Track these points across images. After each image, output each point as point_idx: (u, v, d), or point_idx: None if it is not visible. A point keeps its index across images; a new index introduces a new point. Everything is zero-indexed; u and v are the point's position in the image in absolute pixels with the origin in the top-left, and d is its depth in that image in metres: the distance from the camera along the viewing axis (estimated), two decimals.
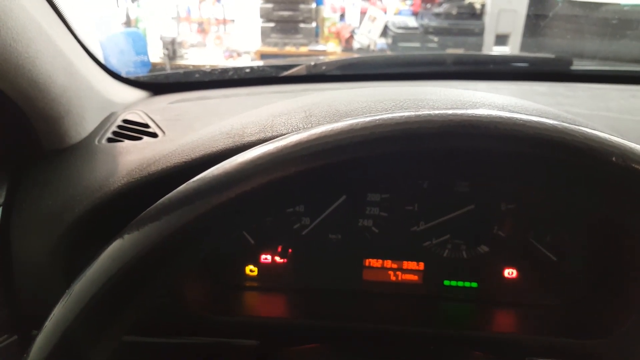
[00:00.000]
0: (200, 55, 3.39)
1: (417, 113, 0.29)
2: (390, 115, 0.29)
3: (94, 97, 0.68)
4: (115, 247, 0.28)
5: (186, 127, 0.65)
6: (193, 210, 0.28)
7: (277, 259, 0.65)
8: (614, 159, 0.27)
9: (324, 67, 0.95)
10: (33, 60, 0.50)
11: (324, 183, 0.30)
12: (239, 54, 3.46)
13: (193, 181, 0.29)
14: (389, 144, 0.29)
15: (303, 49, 3.42)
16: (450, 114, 0.29)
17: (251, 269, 0.66)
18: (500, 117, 0.29)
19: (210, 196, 0.28)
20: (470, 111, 0.29)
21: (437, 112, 0.29)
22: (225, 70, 0.95)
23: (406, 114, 0.29)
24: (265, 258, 0.65)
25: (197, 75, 0.93)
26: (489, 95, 0.56)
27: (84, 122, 0.64)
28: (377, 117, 0.29)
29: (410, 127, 0.29)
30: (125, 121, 0.68)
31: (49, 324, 0.28)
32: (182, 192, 0.29)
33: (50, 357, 0.27)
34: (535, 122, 0.28)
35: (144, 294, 0.28)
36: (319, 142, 0.29)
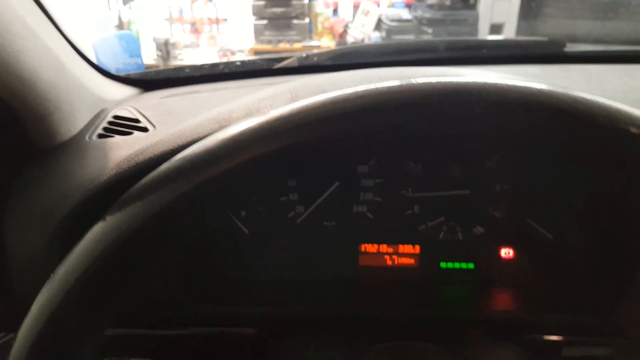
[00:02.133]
0: (194, 56, 3.39)
1: (399, 82, 0.29)
2: (372, 86, 0.29)
3: (83, 94, 0.67)
4: (98, 229, 0.28)
5: (177, 121, 0.65)
6: (176, 188, 0.28)
7: (273, 248, 0.65)
8: (600, 119, 0.27)
9: (315, 58, 0.94)
10: (17, 54, 0.50)
11: (310, 159, 0.30)
12: (232, 53, 3.46)
13: (175, 160, 0.29)
14: (372, 114, 0.28)
15: (297, 46, 3.42)
16: (435, 82, 0.29)
17: (247, 259, 0.65)
18: (486, 83, 0.28)
19: (193, 173, 0.28)
20: (455, 78, 0.29)
21: (421, 80, 0.29)
22: (215, 65, 0.94)
23: (388, 83, 0.29)
24: (261, 247, 0.65)
25: (187, 71, 0.92)
26: (479, 71, 0.56)
27: (74, 119, 0.64)
28: (359, 89, 0.29)
29: (393, 97, 0.28)
30: (115, 117, 0.68)
31: (35, 307, 0.27)
32: (164, 171, 0.28)
33: (37, 339, 0.27)
34: (522, 86, 0.28)
35: (130, 276, 0.28)
36: (300, 116, 0.28)
